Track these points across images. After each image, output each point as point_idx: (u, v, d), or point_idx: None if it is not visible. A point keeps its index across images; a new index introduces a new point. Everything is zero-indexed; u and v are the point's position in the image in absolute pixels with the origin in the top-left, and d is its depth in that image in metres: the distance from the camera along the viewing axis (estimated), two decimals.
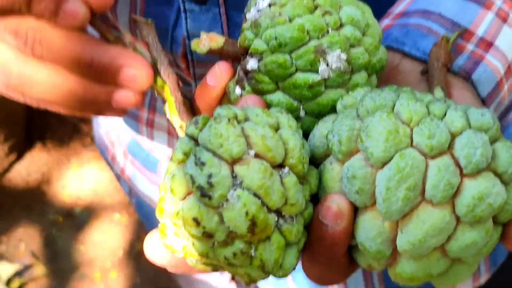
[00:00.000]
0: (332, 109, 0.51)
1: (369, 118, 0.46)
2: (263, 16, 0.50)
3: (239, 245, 0.45)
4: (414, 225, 0.45)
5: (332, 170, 0.48)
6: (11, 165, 2.30)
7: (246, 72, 0.51)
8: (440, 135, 0.45)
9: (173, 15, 0.71)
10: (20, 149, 2.33)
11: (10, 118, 2.21)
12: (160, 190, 0.47)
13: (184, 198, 0.45)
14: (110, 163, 0.98)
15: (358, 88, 0.50)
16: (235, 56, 0.53)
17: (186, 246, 0.47)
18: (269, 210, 0.45)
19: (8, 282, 2.03)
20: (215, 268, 0.48)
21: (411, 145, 0.45)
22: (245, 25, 0.52)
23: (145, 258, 1.89)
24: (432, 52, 0.55)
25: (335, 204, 0.46)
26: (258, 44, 0.50)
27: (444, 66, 0.54)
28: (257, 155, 0.45)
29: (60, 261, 2.12)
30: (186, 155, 0.46)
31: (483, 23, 0.60)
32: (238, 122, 0.45)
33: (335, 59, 0.49)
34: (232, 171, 0.44)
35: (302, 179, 0.47)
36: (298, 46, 0.49)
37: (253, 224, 0.44)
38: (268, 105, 0.51)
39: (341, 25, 0.51)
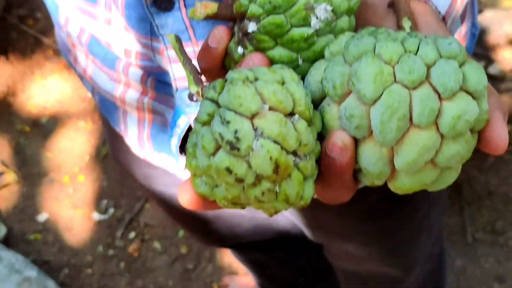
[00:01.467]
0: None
1: (356, 64, 0.51)
2: None
3: (266, 184, 0.51)
4: (407, 147, 0.51)
5: (331, 111, 0.53)
6: None
7: (245, 34, 0.56)
8: (418, 69, 0.50)
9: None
10: None
11: None
12: (188, 148, 0.53)
13: (214, 153, 0.50)
14: (73, 64, 0.99)
15: (341, 35, 0.55)
16: (230, 19, 0.57)
17: (218, 192, 0.52)
18: (287, 152, 0.50)
19: None
20: (243, 207, 0.54)
21: (395, 81, 0.50)
22: None
23: (111, 161, 1.99)
24: None
25: (339, 140, 0.52)
26: (255, 9, 0.55)
27: None
28: (271, 108, 0.50)
29: (30, 168, 2.16)
30: (211, 116, 0.51)
31: None
32: (250, 82, 0.51)
33: (323, 11, 0.55)
34: (253, 125, 0.50)
35: (309, 122, 0.52)
36: (290, 6, 0.54)
37: (276, 166, 0.50)
38: (270, 60, 0.56)
39: None
